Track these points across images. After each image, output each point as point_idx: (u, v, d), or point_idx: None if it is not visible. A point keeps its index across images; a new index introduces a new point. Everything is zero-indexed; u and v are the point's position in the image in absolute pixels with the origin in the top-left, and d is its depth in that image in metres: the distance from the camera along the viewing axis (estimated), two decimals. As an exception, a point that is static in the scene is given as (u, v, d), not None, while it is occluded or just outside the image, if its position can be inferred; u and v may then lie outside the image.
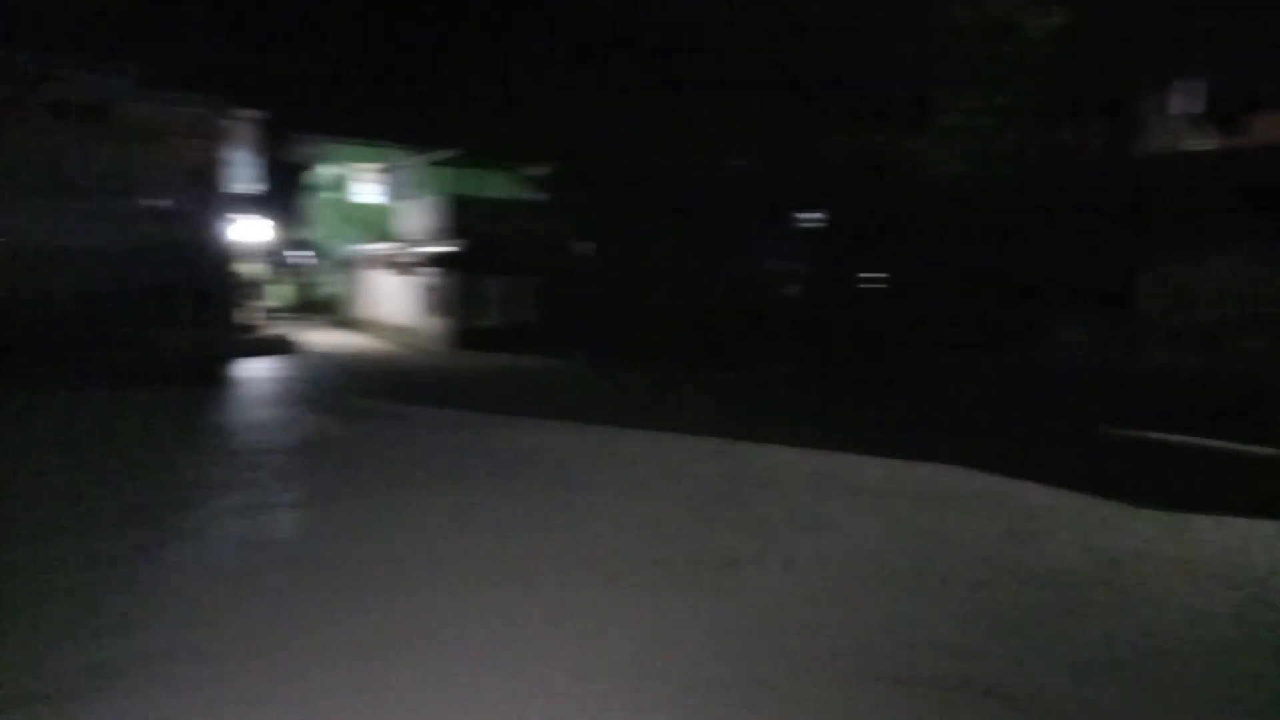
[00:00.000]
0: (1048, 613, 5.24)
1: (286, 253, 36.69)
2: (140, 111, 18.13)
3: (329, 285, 34.00)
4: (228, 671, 4.19)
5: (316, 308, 34.68)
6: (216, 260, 18.94)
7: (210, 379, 15.03)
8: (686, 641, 4.68)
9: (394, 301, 25.38)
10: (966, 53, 15.61)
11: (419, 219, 23.96)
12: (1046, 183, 15.51)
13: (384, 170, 28.96)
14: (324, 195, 30.81)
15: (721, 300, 19.04)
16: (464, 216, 21.69)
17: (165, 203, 18.35)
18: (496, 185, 24.90)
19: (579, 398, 14.82)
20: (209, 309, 18.58)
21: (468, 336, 21.56)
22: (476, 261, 21.33)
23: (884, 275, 18.36)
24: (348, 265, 30.42)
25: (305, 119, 26.95)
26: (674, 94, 19.67)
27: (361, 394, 13.94)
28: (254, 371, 16.38)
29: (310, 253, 35.94)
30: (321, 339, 23.74)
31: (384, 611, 4.98)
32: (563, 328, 20.85)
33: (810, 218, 19.27)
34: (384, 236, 26.73)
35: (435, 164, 25.23)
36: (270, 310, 30.12)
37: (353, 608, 5.03)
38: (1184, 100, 14.58)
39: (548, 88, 23.40)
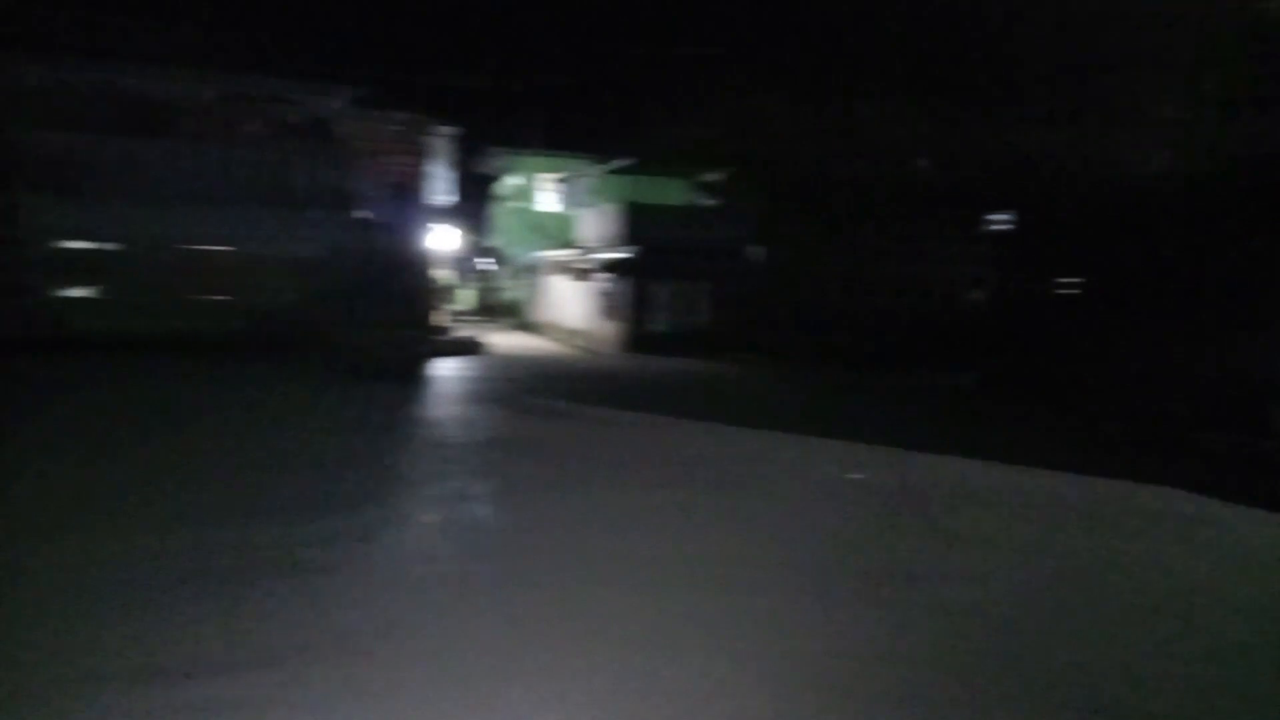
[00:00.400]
0: (1266, 651, 4.81)
1: (472, 259, 38.93)
2: (352, 129, 19.92)
3: (510, 290, 35.79)
4: (431, 650, 4.59)
5: (498, 311, 36.59)
6: (416, 267, 20.48)
7: (409, 377, 16.23)
8: (873, 655, 4.66)
9: (571, 306, 26.38)
10: (1181, 37, 14.40)
11: (596, 226, 24.79)
12: (1264, 179, 14.04)
13: (563, 179, 30.18)
14: (507, 204, 32.48)
15: (903, 304, 18.51)
16: (639, 223, 22.24)
17: (372, 213, 20.05)
18: (672, 192, 25.38)
19: (752, 402, 14.87)
20: (408, 313, 20.10)
21: (642, 340, 22.08)
22: (651, 266, 21.82)
23: (1078, 280, 17.24)
24: (528, 271, 31.91)
25: (495, 132, 28.53)
26: (853, 94, 19.34)
27: (543, 394, 14.62)
28: (446, 371, 17.53)
29: (492, 259, 37.98)
30: (504, 341, 25.02)
31: (583, 606, 5.26)
32: (737, 332, 20.94)
33: (1000, 219, 18.38)
34: (563, 243, 27.84)
35: (613, 172, 26.03)
36: (457, 314, 32.07)
37: (553, 601, 5.35)
38: None
39: (724, 93, 23.59)
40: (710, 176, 24.61)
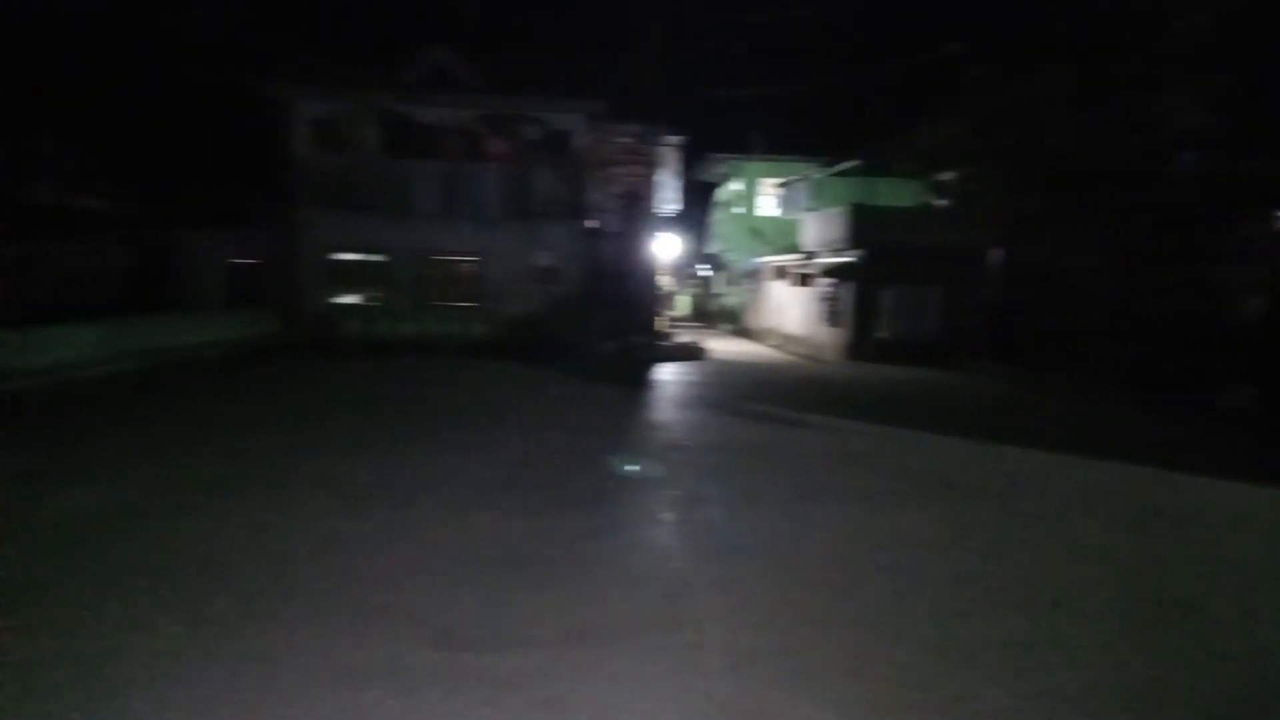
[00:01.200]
0: None
1: (691, 266, 39.59)
2: (587, 142, 20.89)
3: (727, 296, 36.00)
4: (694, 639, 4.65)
5: (714, 317, 36.93)
6: (643, 275, 21.12)
7: (637, 381, 16.72)
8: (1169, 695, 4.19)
9: (791, 312, 26.08)
10: None
11: (819, 229, 24.35)
12: None
13: (784, 184, 29.94)
14: (726, 210, 32.70)
15: (1165, 313, 16.63)
16: (864, 226, 21.59)
17: (603, 223, 20.91)
18: (900, 193, 24.44)
19: (986, 415, 13.97)
20: (636, 319, 20.76)
21: (866, 347, 21.41)
22: (875, 271, 21.10)
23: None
24: (746, 276, 31.93)
25: (719, 139, 28.85)
26: (1107, 84, 17.68)
27: (767, 401, 14.52)
28: (671, 375, 17.88)
29: (709, 265, 38.41)
30: (723, 347, 25.17)
31: (838, 613, 5.15)
32: (972, 340, 19.75)
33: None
34: (783, 248, 27.61)
35: (837, 174, 25.47)
36: (675, 320, 32.69)
37: (800, 605, 5.27)
38: None
39: (957, 90, 22.40)
40: (945, 176, 23.41)
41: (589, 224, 21.32)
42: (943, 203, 23.49)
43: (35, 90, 20.15)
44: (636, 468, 9.15)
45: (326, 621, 4.74)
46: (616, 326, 20.41)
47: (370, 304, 21.29)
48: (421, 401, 13.25)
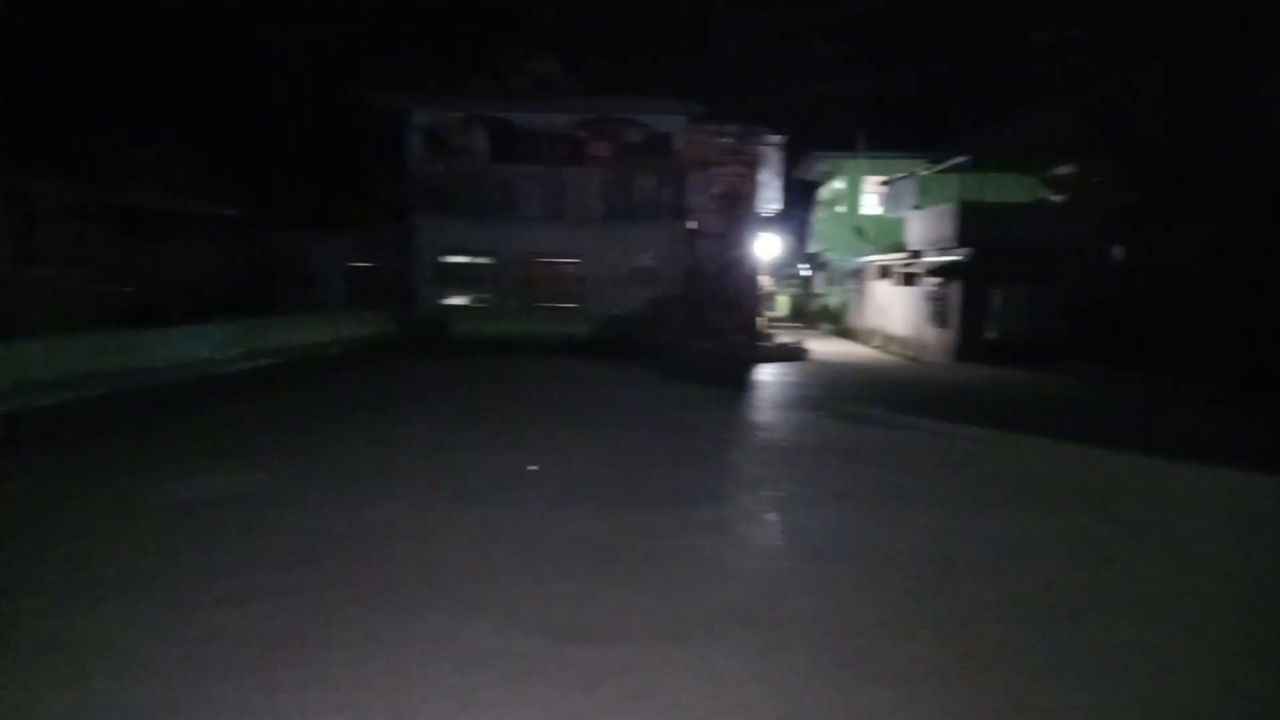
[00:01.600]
0: None
1: (791, 266, 39.21)
2: (688, 143, 21.01)
3: (827, 296, 35.46)
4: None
5: (814, 317, 36.43)
6: (744, 275, 21.10)
7: (738, 381, 16.72)
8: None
9: (895, 312, 25.51)
10: None
11: (924, 228, 23.73)
12: None
13: (887, 182, 29.30)
14: (827, 209, 32.21)
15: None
16: (973, 223, 20.89)
17: (704, 224, 20.98)
18: (1011, 189, 23.55)
19: (1093, 419, 13.35)
20: (737, 319, 20.76)
21: (974, 348, 20.72)
22: (984, 270, 20.40)
23: None
24: (848, 276, 31.38)
25: (821, 137, 28.48)
26: (1217, 71, 16.59)
27: (871, 403, 14.29)
28: (773, 376, 17.80)
29: (809, 265, 37.93)
30: (823, 348, 24.83)
31: (928, 617, 5.10)
32: (1089, 342, 18.85)
33: None
34: (886, 247, 27.02)
35: (944, 171, 24.76)
36: (775, 320, 32.43)
37: (891, 608, 5.24)
38: None
39: (1064, 79, 21.44)
40: (1061, 170, 22.39)
41: (689, 224, 21.42)
42: (1057, 198, 22.49)
43: (169, 103, 21.70)
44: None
45: (433, 610, 5.00)
46: (716, 327, 20.45)
47: (477, 304, 22.01)
48: (525, 400, 13.64)
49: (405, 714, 3.85)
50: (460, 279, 22.11)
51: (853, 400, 14.57)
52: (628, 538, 6.48)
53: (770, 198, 24.62)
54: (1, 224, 17.25)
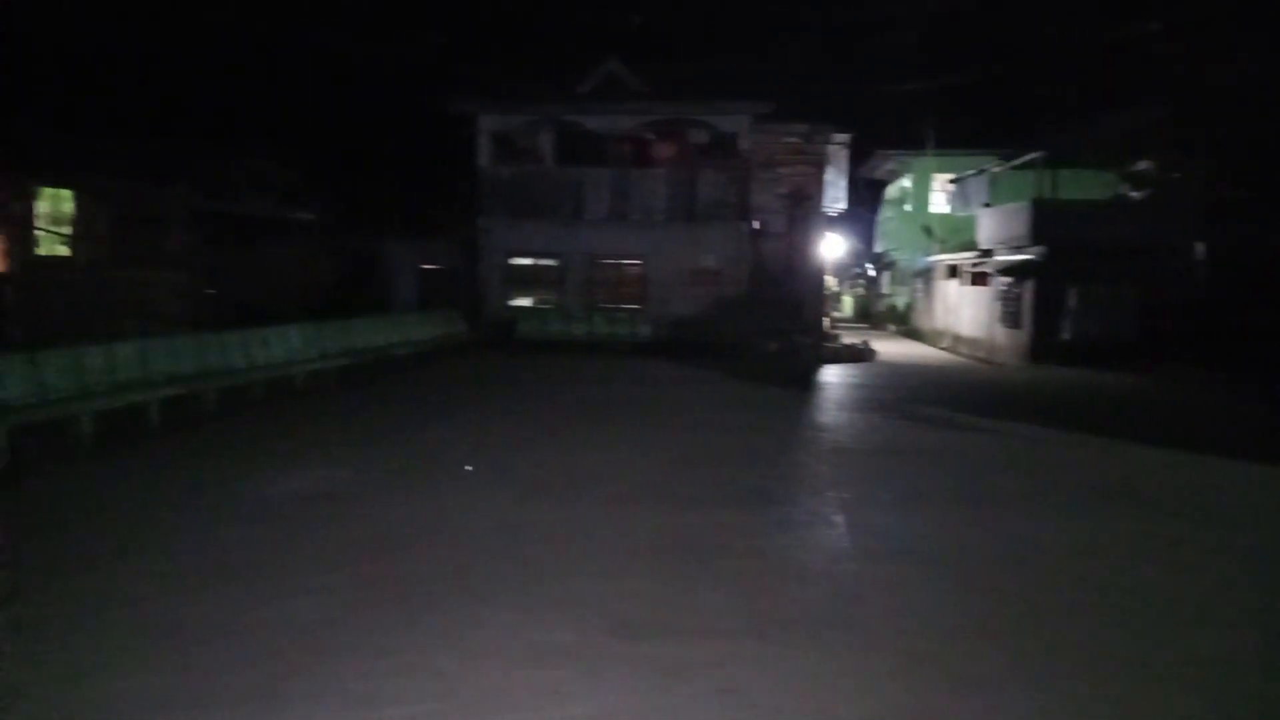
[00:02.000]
0: None
1: (857, 266, 38.76)
2: (753, 143, 20.97)
3: (894, 296, 34.93)
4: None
5: (881, 318, 35.91)
6: (809, 275, 20.96)
7: (804, 382, 16.65)
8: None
9: (964, 312, 25.02)
10: None
11: (995, 226, 23.23)
12: None
13: (957, 179, 28.74)
14: (894, 208, 31.74)
15: None
16: (1046, 220, 20.37)
17: (769, 224, 20.92)
18: (1087, 185, 22.91)
19: (1176, 421, 12.95)
20: (802, 319, 20.63)
21: (1047, 349, 20.21)
22: (1057, 268, 19.88)
23: None
24: (915, 276, 30.87)
25: (889, 136, 28.11)
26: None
27: (936, 404, 14.10)
28: (839, 377, 17.66)
29: (874, 265, 37.42)
30: (890, 348, 24.50)
31: (1006, 620, 5.07)
32: (1170, 342, 18.23)
33: None
34: (955, 246, 26.52)
35: (1016, 167, 24.19)
36: (841, 320, 32.09)
37: (969, 611, 5.22)
38: None
39: (1148, 73, 20.79)
40: (1140, 166, 21.69)
41: (754, 224, 21.38)
42: (1137, 194, 21.79)
43: (274, 117, 22.76)
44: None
45: (512, 607, 5.15)
46: (781, 327, 20.35)
47: (544, 306, 22.33)
48: (593, 400, 13.83)
49: (500, 696, 4.00)
50: (527, 280, 22.46)
51: (921, 402, 14.39)
52: (703, 536, 6.56)
53: (836, 197, 24.40)
54: (106, 229, 18.34)
